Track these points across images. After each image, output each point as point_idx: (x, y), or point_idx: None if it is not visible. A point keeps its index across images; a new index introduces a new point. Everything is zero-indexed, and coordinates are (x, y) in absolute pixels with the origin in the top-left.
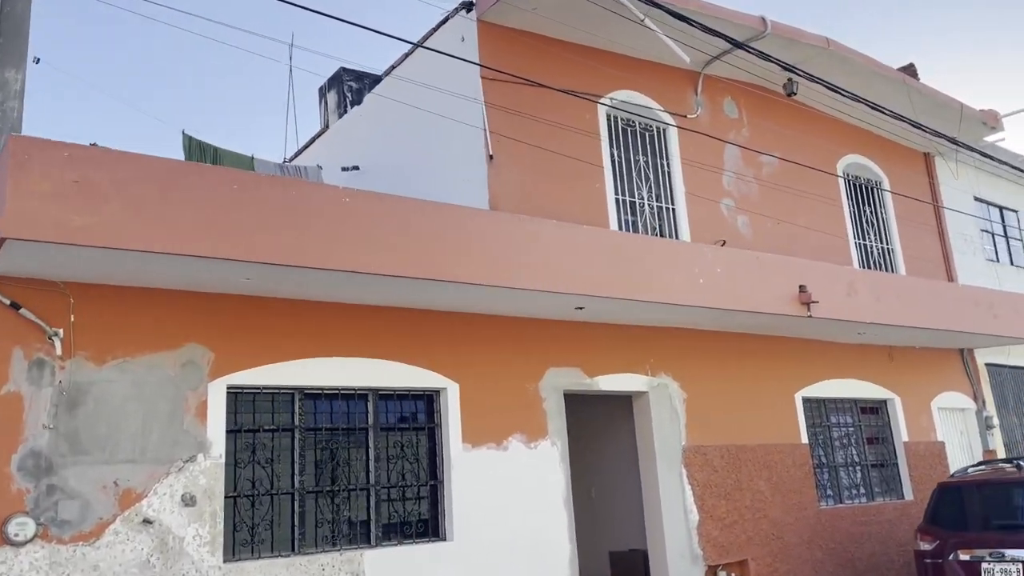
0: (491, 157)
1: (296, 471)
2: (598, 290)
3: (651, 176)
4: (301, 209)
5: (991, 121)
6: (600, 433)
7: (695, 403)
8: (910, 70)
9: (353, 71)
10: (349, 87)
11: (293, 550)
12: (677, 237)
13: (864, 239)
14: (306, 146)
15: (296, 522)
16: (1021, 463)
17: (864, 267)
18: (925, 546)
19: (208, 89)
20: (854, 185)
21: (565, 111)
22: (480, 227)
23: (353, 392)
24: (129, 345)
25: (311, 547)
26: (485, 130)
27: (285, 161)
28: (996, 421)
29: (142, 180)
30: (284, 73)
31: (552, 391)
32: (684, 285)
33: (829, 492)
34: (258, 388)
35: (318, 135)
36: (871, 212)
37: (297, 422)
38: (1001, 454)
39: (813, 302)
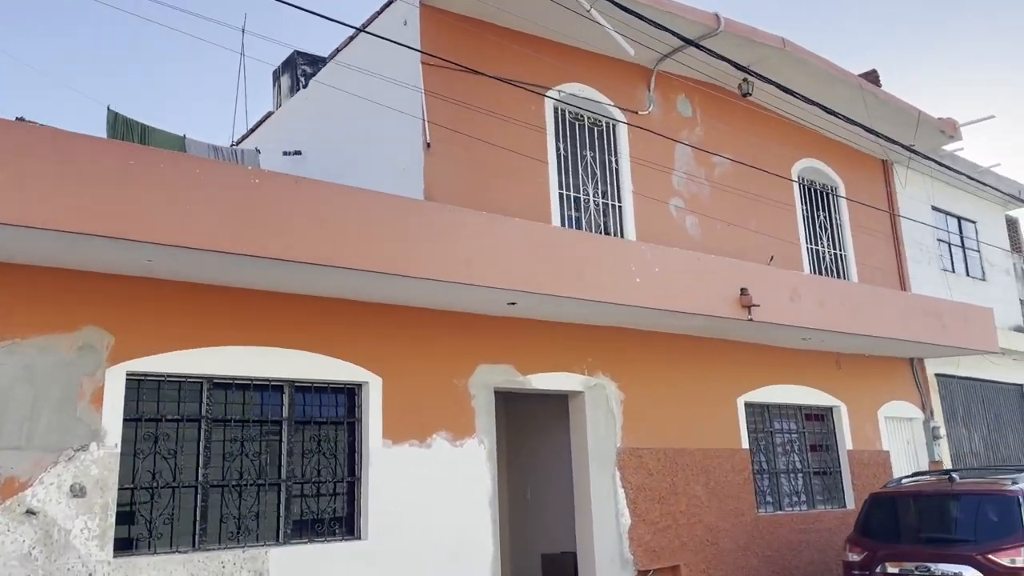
0: (428, 145)
1: (201, 463)
2: (528, 286)
3: (598, 172)
4: (206, 189)
5: (949, 130)
6: (538, 433)
7: (633, 405)
8: (872, 76)
9: (307, 55)
10: (303, 71)
11: (194, 546)
12: (623, 235)
13: (817, 244)
14: (252, 130)
15: (198, 517)
16: (954, 476)
17: (815, 273)
18: (854, 557)
19: (164, 75)
20: (809, 190)
21: (510, 102)
22: (403, 216)
23: (267, 383)
24: (20, 326)
25: (213, 543)
26: (423, 118)
27: (233, 144)
28: (943, 432)
29: (30, 151)
30: (246, 59)
31: (482, 388)
32: (620, 284)
33: (769, 499)
34: (162, 376)
35: (264, 119)
36: (825, 218)
37: (204, 412)
38: (948, 465)
39: (754, 305)
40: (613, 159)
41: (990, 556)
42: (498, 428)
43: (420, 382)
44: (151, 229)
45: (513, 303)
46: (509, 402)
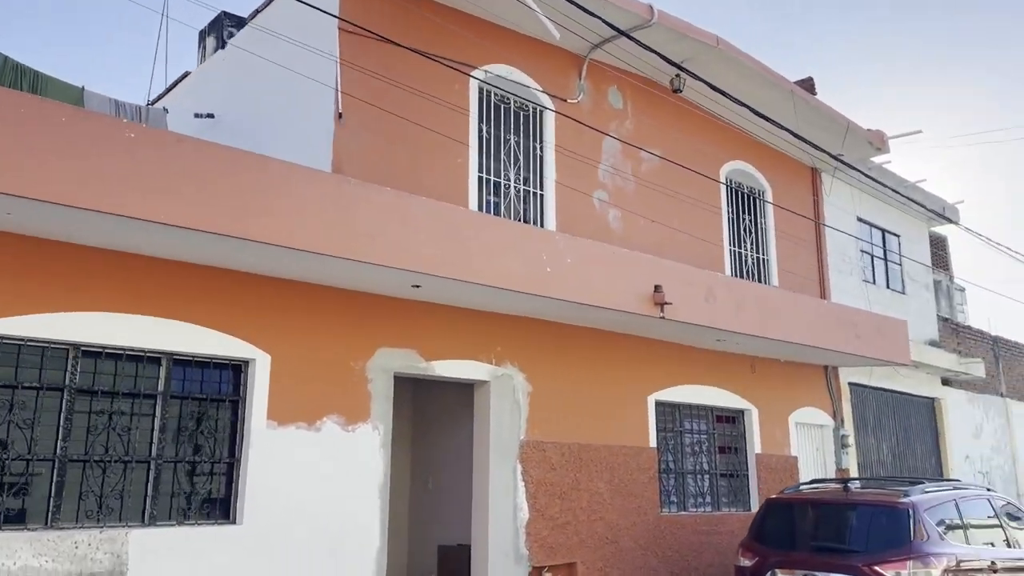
0: (340, 116)
1: (60, 436)
2: (433, 268)
3: (521, 158)
4: (72, 140)
5: (877, 142)
6: (444, 421)
7: (540, 397)
8: (807, 84)
9: (235, 16)
10: (229, 32)
11: (46, 524)
12: (543, 224)
13: (740, 247)
14: (169, 89)
15: (53, 492)
16: (850, 485)
17: (737, 276)
18: (745, 562)
19: (100, 32)
20: (736, 192)
21: (433, 79)
22: (296, 185)
23: (143, 354)
24: None
25: (68, 522)
26: (337, 88)
27: (149, 103)
28: (852, 440)
29: None
30: (178, 20)
31: (380, 372)
32: (530, 273)
33: (673, 499)
34: (21, 339)
35: (180, 79)
36: (750, 221)
37: (68, 381)
38: (854, 473)
39: (666, 303)
40: (538, 146)
41: (876, 568)
42: (405, 415)
43: (313, 362)
44: (4, 179)
45: (417, 285)
46: (417, 388)
